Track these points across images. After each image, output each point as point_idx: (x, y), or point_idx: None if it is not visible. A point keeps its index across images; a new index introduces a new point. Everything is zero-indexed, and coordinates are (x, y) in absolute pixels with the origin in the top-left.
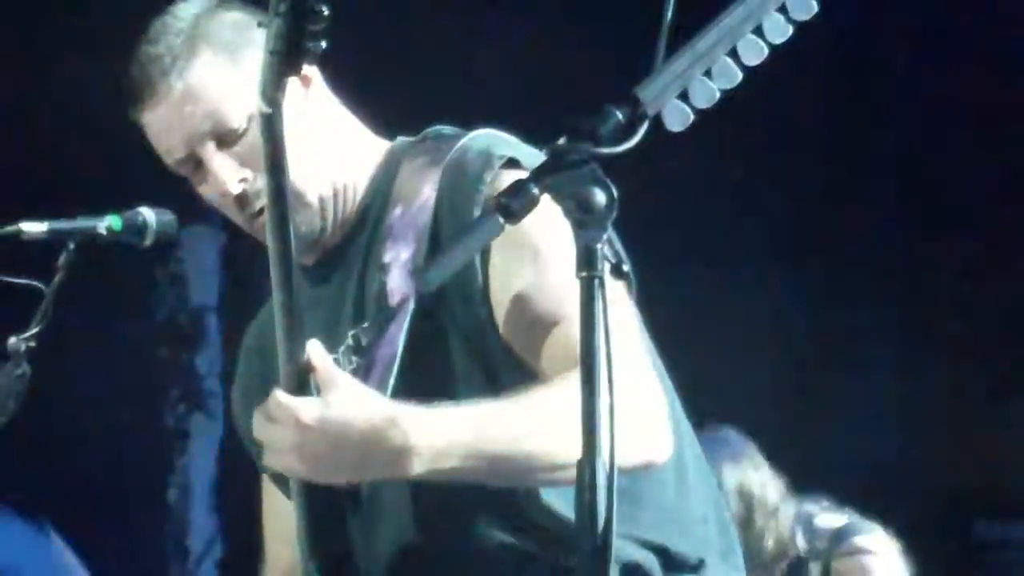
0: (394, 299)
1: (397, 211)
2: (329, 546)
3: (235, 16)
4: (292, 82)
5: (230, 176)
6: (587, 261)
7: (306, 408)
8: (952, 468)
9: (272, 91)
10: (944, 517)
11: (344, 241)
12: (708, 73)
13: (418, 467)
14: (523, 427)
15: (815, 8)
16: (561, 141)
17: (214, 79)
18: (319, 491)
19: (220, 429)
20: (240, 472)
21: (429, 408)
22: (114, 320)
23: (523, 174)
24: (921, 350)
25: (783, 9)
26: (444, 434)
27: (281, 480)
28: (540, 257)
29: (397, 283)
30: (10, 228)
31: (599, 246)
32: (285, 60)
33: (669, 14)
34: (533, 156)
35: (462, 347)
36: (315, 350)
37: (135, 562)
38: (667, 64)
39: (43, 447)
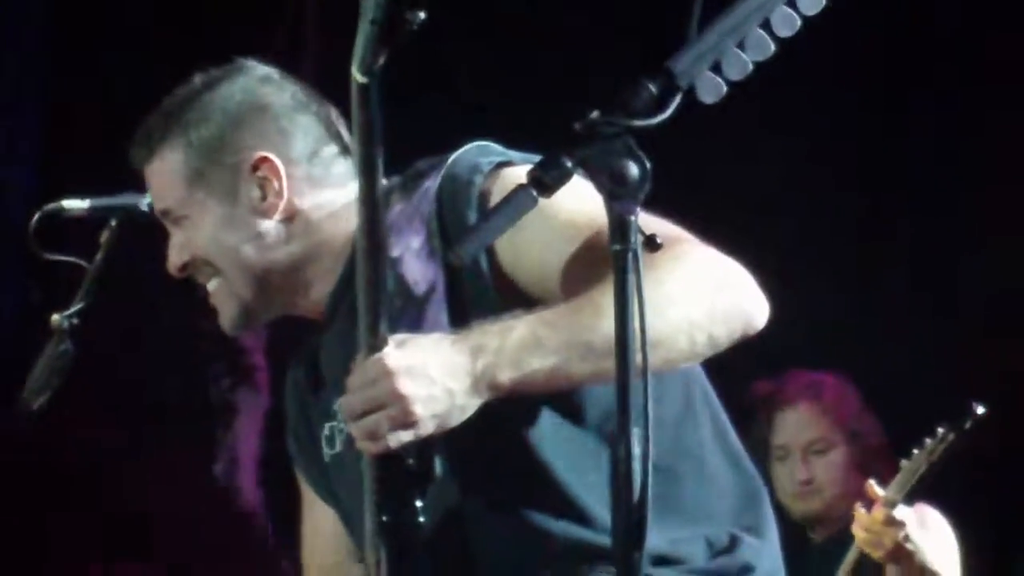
0: (419, 287)
1: (396, 208)
2: (397, 533)
3: (227, 110)
4: (253, 192)
5: (172, 257)
6: (620, 234)
7: (387, 354)
8: None
9: (369, 60)
10: None
11: (346, 269)
12: (741, 45)
13: (504, 372)
14: (581, 313)
15: None
16: (594, 114)
17: (170, 173)
18: (390, 477)
19: (265, 403)
20: (285, 446)
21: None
22: (157, 295)
23: (516, 171)
24: None
25: None
26: (511, 330)
27: (331, 495)
28: (550, 219)
29: (415, 271)
30: (52, 205)
31: (632, 218)
32: (383, 29)
33: None
34: (524, 158)
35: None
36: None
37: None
38: (700, 36)
39: (87, 424)
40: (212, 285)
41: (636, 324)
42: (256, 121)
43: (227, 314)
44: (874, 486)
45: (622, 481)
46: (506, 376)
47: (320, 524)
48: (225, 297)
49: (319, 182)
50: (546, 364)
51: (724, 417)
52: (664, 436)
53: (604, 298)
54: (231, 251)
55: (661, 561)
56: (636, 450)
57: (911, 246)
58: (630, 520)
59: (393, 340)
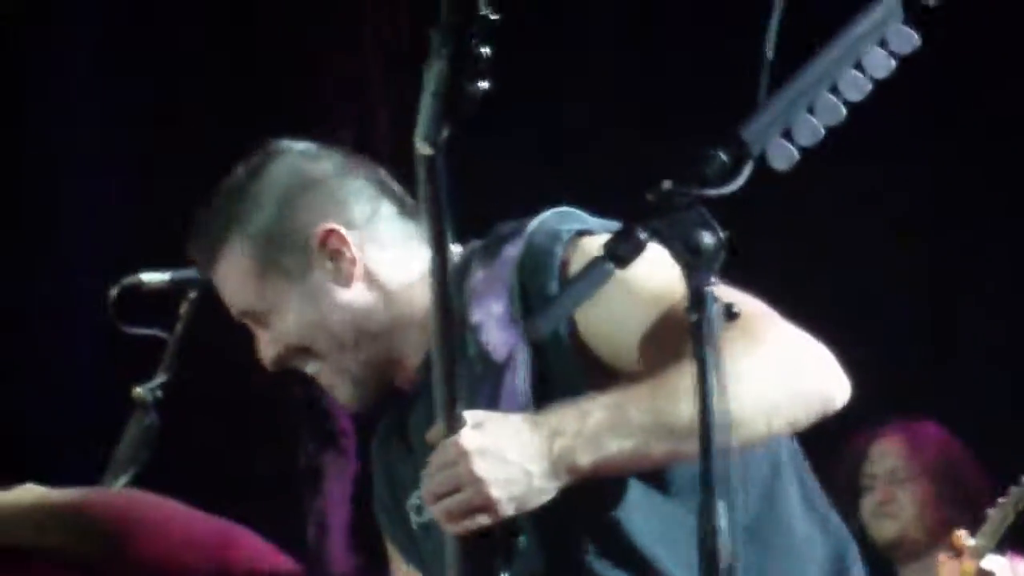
0: (499, 354)
1: (478, 274)
2: None
3: (280, 191)
4: (325, 265)
5: (266, 352)
6: (697, 304)
7: (464, 435)
8: None
9: (433, 133)
10: None
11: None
12: (811, 110)
13: (583, 455)
14: (658, 394)
15: (916, 41)
16: (667, 184)
17: (238, 270)
18: (475, 550)
19: (353, 468)
20: (374, 509)
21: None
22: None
23: (595, 240)
24: None
25: (883, 43)
26: (588, 413)
27: (418, 562)
28: (629, 288)
29: (496, 338)
30: (131, 279)
31: (708, 288)
32: (446, 102)
33: (770, 52)
34: (603, 226)
35: (563, 393)
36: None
37: None
38: (769, 102)
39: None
40: (313, 369)
41: (716, 402)
42: (310, 196)
43: (341, 392)
44: (961, 536)
45: (709, 557)
46: (585, 459)
47: None
48: (332, 376)
49: (387, 243)
50: (625, 446)
51: (810, 475)
52: (751, 502)
53: (682, 378)
54: (322, 328)
55: None
56: (722, 523)
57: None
58: None
59: (471, 419)
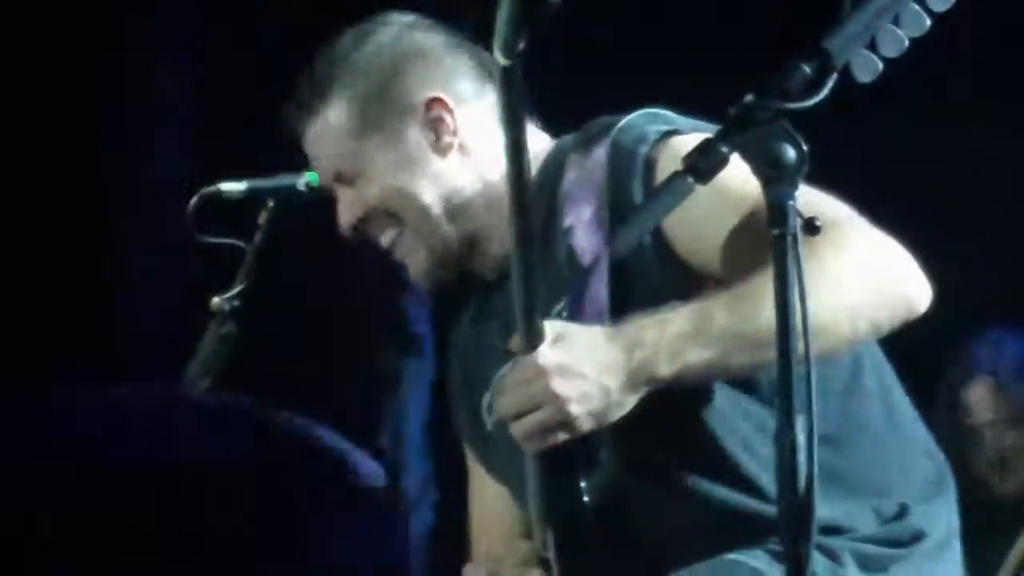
0: (586, 258)
1: (571, 175)
2: (564, 514)
3: (390, 56)
4: (421, 132)
5: (347, 216)
6: (778, 219)
7: (540, 352)
8: None
9: (511, 42)
10: None
11: None
12: (896, 21)
13: (663, 366)
14: (739, 303)
15: None
16: (749, 97)
17: (336, 129)
18: (555, 456)
19: (431, 373)
20: (451, 416)
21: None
22: (327, 267)
23: (683, 140)
24: None
25: None
26: (668, 323)
27: (496, 467)
28: (716, 192)
29: (585, 242)
30: (209, 188)
31: (790, 203)
32: (524, 11)
33: None
34: (692, 126)
35: (646, 298)
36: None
37: None
38: (853, 14)
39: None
40: (389, 238)
41: (797, 312)
42: (417, 65)
43: (417, 264)
44: None
45: (787, 472)
46: (664, 370)
47: (487, 499)
48: (412, 246)
49: (487, 125)
50: (704, 356)
51: (895, 385)
52: (831, 406)
53: (763, 287)
54: (412, 194)
55: (829, 530)
56: (801, 440)
57: None
58: (796, 514)
59: (550, 333)
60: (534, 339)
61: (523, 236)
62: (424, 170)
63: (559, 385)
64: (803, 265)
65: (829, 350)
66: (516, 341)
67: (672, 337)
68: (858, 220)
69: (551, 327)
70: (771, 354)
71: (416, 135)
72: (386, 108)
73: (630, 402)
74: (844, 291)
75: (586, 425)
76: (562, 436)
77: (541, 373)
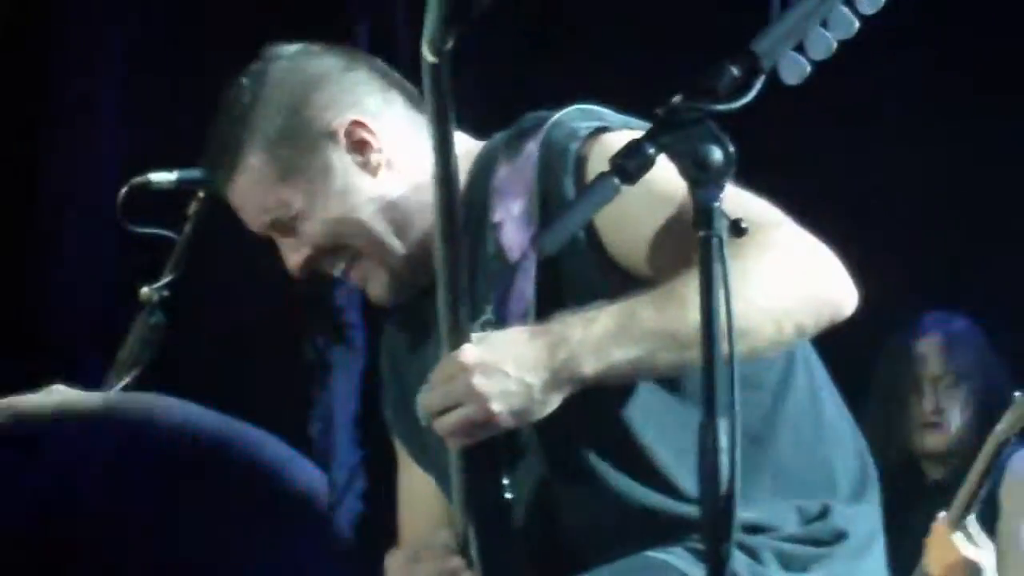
0: (514, 254)
1: (502, 171)
2: (486, 508)
3: (289, 90)
4: (345, 157)
5: (295, 259)
6: (704, 220)
7: (464, 350)
8: None
9: (439, 41)
10: None
11: None
12: (825, 23)
13: (586, 365)
14: (666, 303)
15: None
16: (677, 99)
17: (262, 178)
18: (478, 451)
19: (361, 362)
20: (381, 406)
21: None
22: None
23: (614, 137)
24: None
25: None
26: (593, 322)
27: (425, 459)
28: (647, 190)
29: (513, 238)
30: (139, 179)
31: (716, 205)
32: (452, 9)
33: None
34: (623, 123)
35: (577, 298)
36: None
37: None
38: (782, 16)
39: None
40: (342, 269)
41: (723, 313)
42: (321, 93)
43: (379, 286)
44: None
45: (709, 472)
46: (588, 369)
47: (416, 491)
48: (370, 271)
49: (404, 132)
50: (629, 355)
51: (826, 382)
52: (761, 404)
53: (689, 287)
54: (356, 221)
55: (751, 529)
56: (723, 440)
57: None
58: (718, 514)
59: (474, 336)
60: (459, 340)
61: (448, 234)
62: (360, 194)
63: (481, 382)
64: (729, 267)
65: (754, 352)
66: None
67: (597, 336)
68: (786, 222)
69: (476, 330)
70: (696, 354)
71: (342, 162)
72: (303, 145)
73: (553, 401)
74: (770, 294)
75: (507, 423)
76: (483, 433)
77: (463, 370)
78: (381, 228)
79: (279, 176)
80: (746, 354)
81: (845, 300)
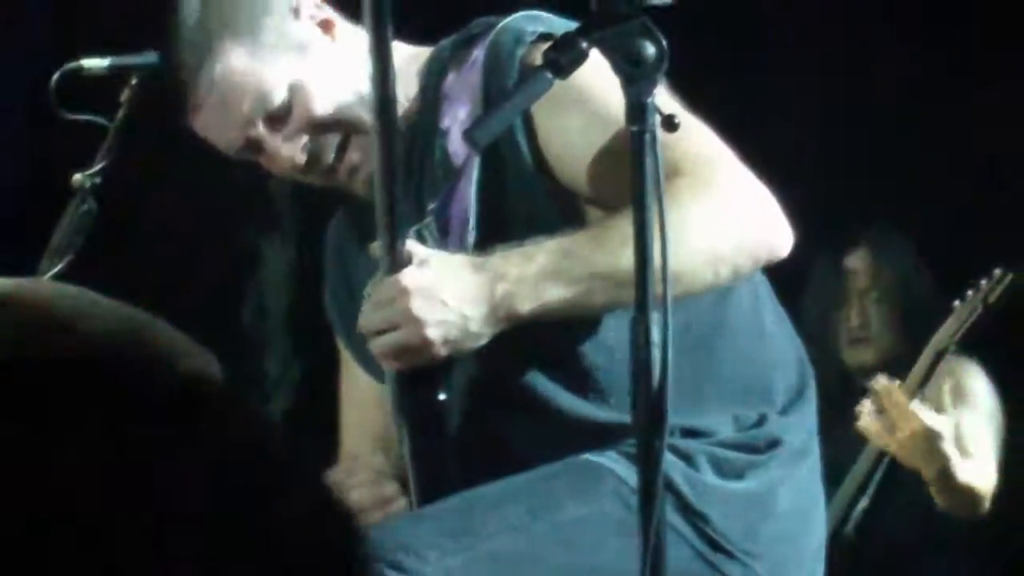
0: (459, 159)
1: (449, 78)
2: (419, 410)
3: None
4: (316, 32)
5: (293, 149)
6: (637, 116)
7: (406, 273)
8: None
9: None
10: None
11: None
12: None
13: (524, 302)
14: (603, 241)
15: None
16: None
17: (243, 67)
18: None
19: (294, 252)
20: (315, 294)
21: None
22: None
23: None
24: None
25: None
26: (532, 259)
27: (365, 356)
28: (588, 107)
29: (459, 144)
30: (72, 64)
31: (649, 100)
32: None
33: None
34: (569, 28)
35: (516, 202)
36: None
37: None
38: None
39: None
40: (333, 147)
41: (658, 256)
42: None
43: (372, 171)
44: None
45: (641, 368)
46: (525, 306)
47: (358, 391)
48: (364, 148)
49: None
50: (566, 294)
51: (766, 291)
52: (702, 312)
53: (627, 226)
54: (349, 89)
55: (688, 433)
56: (655, 336)
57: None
58: (650, 411)
59: (416, 256)
60: (398, 260)
61: (385, 134)
62: (341, 67)
63: (420, 307)
64: (666, 209)
65: (689, 293)
66: (375, 248)
67: (535, 274)
68: (724, 158)
69: (416, 251)
70: (632, 293)
71: (315, 37)
72: (275, 25)
73: (488, 334)
74: (707, 239)
75: (440, 352)
76: (416, 359)
77: (404, 293)
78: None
79: (261, 61)
80: (682, 295)
81: (781, 241)
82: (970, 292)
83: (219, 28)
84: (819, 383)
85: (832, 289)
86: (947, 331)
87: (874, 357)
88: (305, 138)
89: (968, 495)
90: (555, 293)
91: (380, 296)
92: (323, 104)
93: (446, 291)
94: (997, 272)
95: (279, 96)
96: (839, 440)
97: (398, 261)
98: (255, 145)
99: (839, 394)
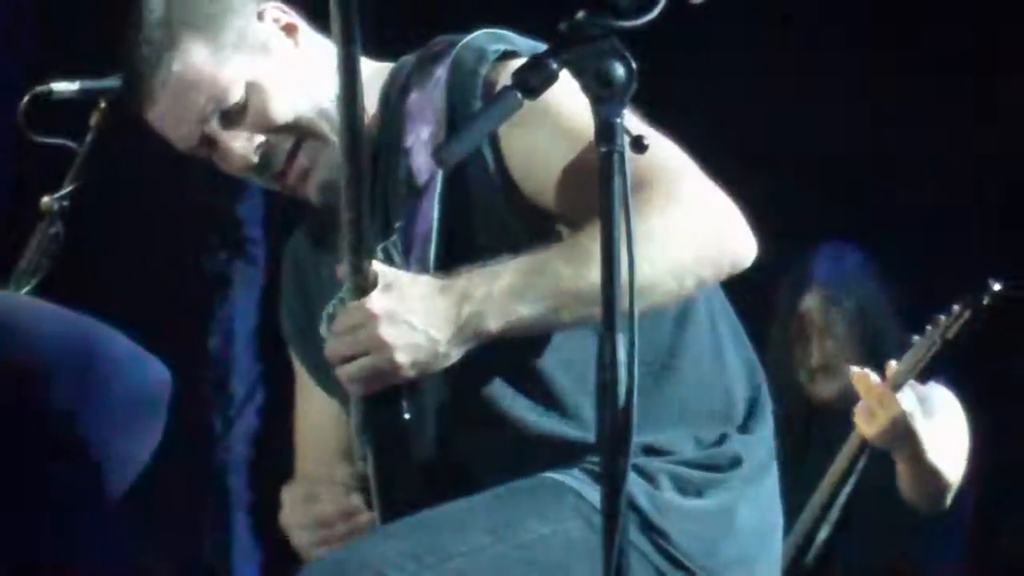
0: (422, 178)
1: (412, 96)
2: (384, 429)
3: None
4: (279, 36)
5: (246, 148)
6: (606, 136)
7: (372, 298)
8: None
9: None
10: None
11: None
12: None
13: (491, 320)
14: (569, 259)
15: None
16: (580, 14)
17: (202, 63)
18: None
19: (261, 276)
20: (280, 317)
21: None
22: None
23: (520, 62)
24: None
25: None
26: (498, 277)
27: (327, 380)
28: (556, 124)
29: (422, 162)
30: (41, 88)
31: (618, 120)
32: None
33: None
34: (532, 48)
35: (482, 221)
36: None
37: (177, 408)
38: None
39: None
40: (285, 151)
41: (624, 271)
42: None
43: (325, 169)
44: (892, 364)
45: (607, 387)
46: (493, 324)
47: (314, 416)
48: (317, 151)
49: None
50: (533, 312)
51: (726, 311)
52: (662, 335)
53: (593, 242)
54: (306, 92)
55: (649, 451)
56: (621, 356)
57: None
58: (615, 429)
59: (382, 279)
60: (364, 282)
61: (352, 152)
62: (301, 69)
63: (387, 332)
64: (632, 222)
65: (655, 306)
66: (342, 270)
67: (501, 292)
68: (689, 171)
69: (382, 274)
70: (599, 310)
71: (276, 39)
72: (235, 23)
73: (456, 354)
74: (672, 252)
75: (409, 374)
76: (385, 383)
77: (370, 318)
78: (327, 104)
79: (221, 58)
80: (648, 308)
81: (744, 252)
82: (929, 327)
83: (181, 23)
84: (786, 415)
85: (789, 329)
86: (905, 366)
87: (838, 391)
88: (259, 138)
89: (935, 480)
90: (522, 311)
91: (346, 322)
92: (279, 106)
93: (413, 314)
94: (956, 308)
95: (236, 94)
96: (801, 469)
97: (364, 284)
98: (209, 141)
99: (803, 425)
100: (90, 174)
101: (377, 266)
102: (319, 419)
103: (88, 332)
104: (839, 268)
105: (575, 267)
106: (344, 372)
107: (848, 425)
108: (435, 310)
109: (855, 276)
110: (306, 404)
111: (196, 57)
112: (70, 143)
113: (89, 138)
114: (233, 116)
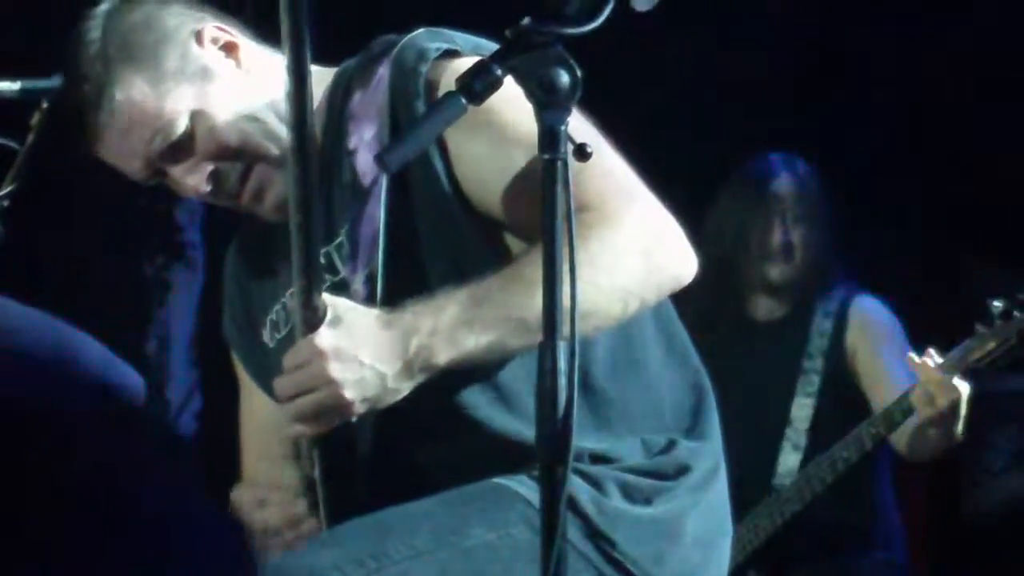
0: (367, 179)
1: (356, 96)
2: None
3: (141, 14)
4: (219, 58)
5: (198, 180)
6: (550, 143)
7: (320, 335)
8: None
9: None
10: None
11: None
12: None
13: (440, 354)
14: (514, 287)
15: None
16: (526, 21)
17: (143, 98)
18: None
19: (200, 281)
20: (220, 325)
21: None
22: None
23: (462, 62)
24: None
25: None
26: (443, 310)
27: (267, 380)
28: (501, 132)
29: (366, 163)
30: None
31: (562, 128)
32: None
33: None
34: (473, 46)
35: (430, 226)
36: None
37: None
38: None
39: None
40: (236, 176)
41: (568, 297)
42: (170, 8)
43: (279, 189)
44: (933, 354)
45: (546, 395)
46: (441, 357)
47: (258, 418)
48: (268, 173)
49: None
50: (481, 342)
51: (672, 318)
52: (610, 343)
53: (537, 269)
54: (252, 115)
55: (597, 459)
56: (562, 364)
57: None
58: (554, 437)
59: (329, 313)
60: (312, 318)
61: (300, 154)
62: (245, 91)
63: (335, 369)
64: (576, 247)
65: (599, 329)
66: (292, 303)
67: (447, 325)
68: (630, 191)
69: (330, 307)
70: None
71: (217, 62)
72: (173, 52)
73: (405, 388)
74: (615, 276)
75: (359, 410)
76: (335, 420)
77: (319, 355)
78: (273, 123)
79: (162, 91)
80: (593, 331)
81: (686, 272)
82: (999, 321)
83: (119, 57)
84: (719, 313)
85: (749, 212)
86: (962, 354)
87: (793, 275)
88: (209, 167)
89: (948, 445)
90: (470, 342)
91: (294, 359)
92: (225, 132)
93: (361, 350)
94: None
95: (181, 125)
96: (737, 373)
97: (312, 319)
98: (160, 173)
99: (738, 325)
100: (29, 175)
101: (327, 298)
102: (263, 421)
103: (62, 334)
104: (798, 165)
105: (519, 294)
106: (293, 408)
107: (791, 313)
108: (382, 346)
109: (811, 174)
110: (250, 405)
111: (137, 93)
112: (10, 143)
113: (29, 139)
114: (180, 147)
